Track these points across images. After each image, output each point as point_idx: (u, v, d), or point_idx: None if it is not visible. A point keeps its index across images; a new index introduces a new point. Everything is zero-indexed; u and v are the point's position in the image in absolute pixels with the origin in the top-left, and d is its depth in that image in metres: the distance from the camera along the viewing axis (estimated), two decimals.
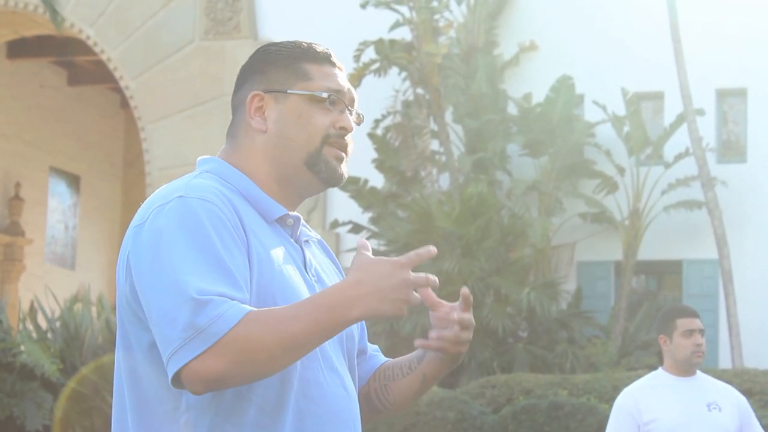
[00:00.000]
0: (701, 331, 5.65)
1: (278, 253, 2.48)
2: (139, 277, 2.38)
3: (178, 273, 2.31)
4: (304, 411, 2.42)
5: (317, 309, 2.27)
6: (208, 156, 2.62)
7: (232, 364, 2.25)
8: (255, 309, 2.29)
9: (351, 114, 2.60)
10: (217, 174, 2.54)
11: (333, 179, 2.57)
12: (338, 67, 2.62)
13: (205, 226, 2.37)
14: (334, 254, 2.74)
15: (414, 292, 2.33)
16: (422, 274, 2.35)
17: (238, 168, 2.56)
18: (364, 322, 2.63)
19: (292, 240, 2.56)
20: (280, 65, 2.58)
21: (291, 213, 2.57)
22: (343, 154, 2.58)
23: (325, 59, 2.60)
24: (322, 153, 2.54)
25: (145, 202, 2.50)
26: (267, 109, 2.56)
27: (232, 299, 2.29)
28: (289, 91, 2.55)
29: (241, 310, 2.27)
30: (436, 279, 2.40)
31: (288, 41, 2.63)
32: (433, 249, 2.35)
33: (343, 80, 2.60)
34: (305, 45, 2.61)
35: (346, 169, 2.61)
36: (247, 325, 2.25)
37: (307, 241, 2.62)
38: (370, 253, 2.37)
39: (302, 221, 2.60)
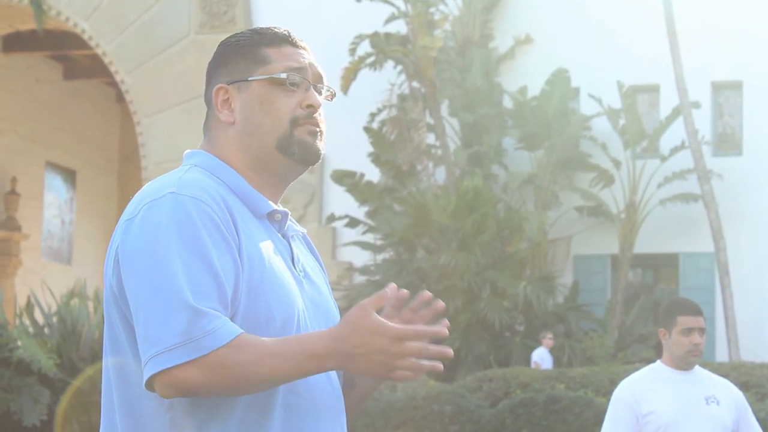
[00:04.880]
0: (701, 330, 5.64)
1: (269, 250, 2.46)
2: (128, 273, 2.35)
3: (172, 276, 2.29)
4: (293, 406, 2.41)
5: (302, 353, 2.27)
6: (195, 149, 2.60)
7: (211, 382, 2.25)
8: (245, 333, 2.28)
9: (320, 91, 2.56)
10: (205, 168, 2.52)
11: (309, 158, 2.54)
12: (300, 47, 2.57)
13: (197, 227, 2.34)
14: (315, 249, 2.73)
15: (419, 360, 2.23)
16: (414, 331, 2.24)
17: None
18: None
19: (279, 235, 2.54)
20: (239, 54, 2.55)
21: (279, 209, 2.54)
22: (317, 129, 2.54)
23: (284, 40, 2.56)
24: (293, 135, 2.51)
25: (135, 195, 2.47)
26: (233, 101, 2.54)
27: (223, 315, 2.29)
28: (249, 79, 2.53)
29: (233, 331, 2.26)
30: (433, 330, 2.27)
31: (248, 29, 2.60)
32: (404, 293, 2.31)
33: (304, 57, 2.56)
34: (263, 30, 2.57)
35: (323, 145, 2.57)
36: (238, 350, 2.25)
37: (293, 236, 2.60)
38: (383, 299, 2.31)
39: (289, 216, 2.58)
